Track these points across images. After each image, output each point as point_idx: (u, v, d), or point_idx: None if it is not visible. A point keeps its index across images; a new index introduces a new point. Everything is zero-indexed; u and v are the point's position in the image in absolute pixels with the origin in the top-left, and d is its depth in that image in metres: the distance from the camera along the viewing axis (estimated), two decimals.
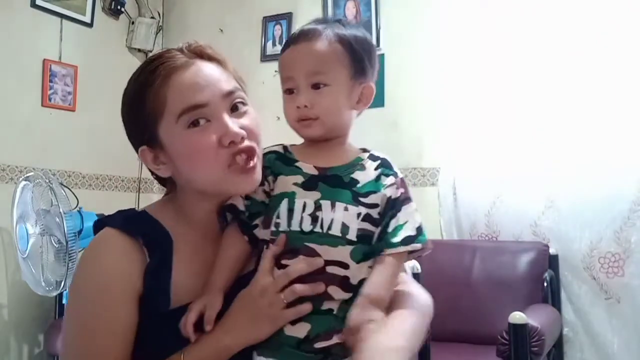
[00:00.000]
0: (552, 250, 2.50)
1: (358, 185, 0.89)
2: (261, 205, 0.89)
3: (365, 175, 0.90)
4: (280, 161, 0.92)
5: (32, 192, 2.41)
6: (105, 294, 0.85)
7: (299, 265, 0.84)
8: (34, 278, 2.43)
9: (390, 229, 0.87)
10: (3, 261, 2.85)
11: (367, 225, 0.87)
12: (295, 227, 0.86)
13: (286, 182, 0.89)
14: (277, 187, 0.90)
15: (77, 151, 3.19)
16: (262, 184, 0.90)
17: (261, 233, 0.89)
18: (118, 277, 0.85)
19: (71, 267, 2.28)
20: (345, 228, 0.86)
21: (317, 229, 0.85)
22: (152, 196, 3.67)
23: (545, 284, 2.40)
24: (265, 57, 3.37)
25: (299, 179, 0.89)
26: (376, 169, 0.92)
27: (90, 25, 3.34)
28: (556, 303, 2.46)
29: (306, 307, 0.83)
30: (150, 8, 3.64)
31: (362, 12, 3.09)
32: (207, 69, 0.90)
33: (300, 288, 0.83)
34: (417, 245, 0.87)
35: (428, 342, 1.52)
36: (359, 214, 0.87)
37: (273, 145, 0.95)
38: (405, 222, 0.88)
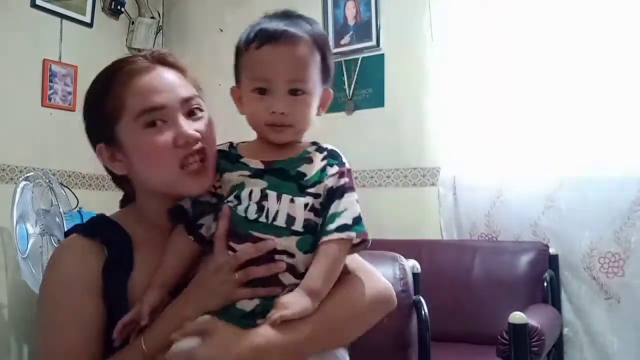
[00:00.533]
0: (552, 250, 2.50)
1: (305, 178, 0.89)
2: (206, 205, 0.91)
3: (311, 168, 0.90)
4: (224, 159, 0.92)
5: (32, 192, 2.41)
6: (67, 289, 0.89)
7: (249, 249, 0.85)
8: (34, 278, 2.43)
9: (327, 217, 0.87)
10: (3, 261, 2.85)
11: (311, 216, 0.88)
12: (241, 212, 0.86)
13: (232, 177, 0.90)
14: (223, 184, 0.91)
15: (77, 151, 3.15)
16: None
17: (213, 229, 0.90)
18: (79, 274, 0.89)
19: None
20: (290, 219, 0.86)
21: (262, 219, 0.86)
22: None
23: (545, 284, 2.39)
24: None
25: (244, 172, 0.89)
26: (322, 159, 0.91)
27: (90, 25, 3.34)
28: (556, 303, 2.46)
29: (260, 292, 0.85)
30: (150, 8, 3.64)
31: (362, 12, 3.09)
32: (167, 75, 0.94)
33: (255, 270, 0.85)
34: (352, 234, 0.86)
35: (428, 342, 1.51)
36: (306, 205, 0.87)
37: (220, 144, 0.96)
38: (344, 211, 0.87)
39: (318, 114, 0.94)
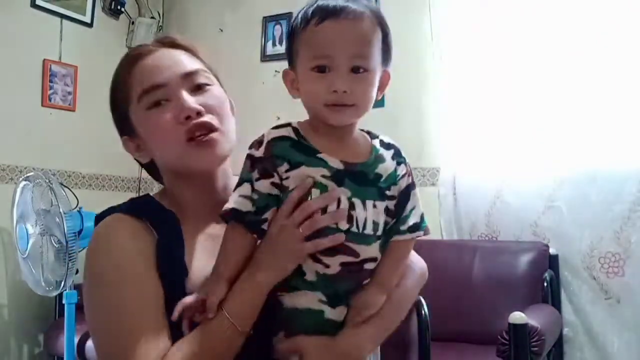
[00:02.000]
0: (552, 250, 2.50)
1: (382, 180, 0.87)
2: (269, 198, 0.84)
3: (386, 168, 0.88)
4: (296, 149, 0.84)
5: (32, 192, 2.41)
6: (127, 271, 0.84)
7: (316, 201, 0.82)
8: (34, 278, 2.42)
9: (401, 217, 0.88)
10: (3, 261, 2.85)
11: (388, 218, 0.88)
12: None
13: (311, 174, 0.83)
14: (296, 176, 0.83)
15: (77, 151, 3.19)
16: (270, 175, 0.83)
17: None
18: (134, 254, 0.86)
19: (71, 267, 2.28)
20: (375, 225, 0.85)
21: (354, 229, 0.83)
22: None
23: (545, 284, 2.40)
24: (265, 57, 3.36)
25: (325, 172, 0.83)
26: (392, 158, 0.90)
27: (90, 25, 3.34)
28: (556, 303, 2.46)
29: (323, 243, 0.82)
30: (150, 8, 3.64)
31: None
32: (171, 54, 0.94)
33: (318, 218, 0.82)
34: (421, 233, 0.89)
35: (428, 342, 1.52)
36: (385, 209, 0.87)
37: (279, 127, 0.87)
38: (413, 209, 0.89)
39: (377, 97, 0.88)
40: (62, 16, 3.19)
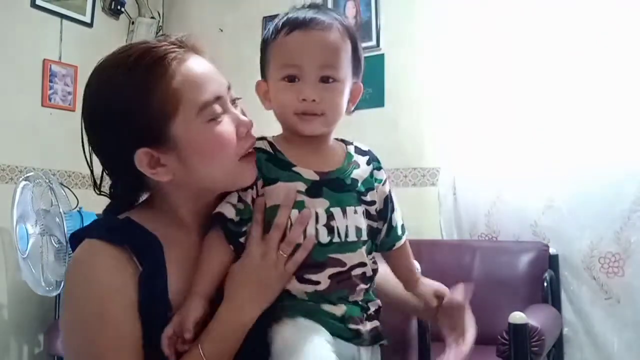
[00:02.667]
0: (552, 250, 2.50)
1: (358, 185, 0.88)
2: (249, 211, 0.84)
3: (361, 173, 0.89)
4: (272, 163, 0.86)
5: (32, 192, 2.41)
6: (105, 310, 0.79)
7: (295, 229, 0.83)
8: (34, 278, 2.43)
9: (394, 223, 0.93)
10: (3, 261, 2.85)
11: (370, 222, 0.89)
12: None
13: (286, 189, 0.84)
14: (272, 195, 0.84)
15: (77, 151, 3.16)
16: (252, 187, 0.85)
17: None
18: (114, 290, 0.80)
19: None
20: (358, 231, 0.86)
21: (335, 239, 0.84)
22: None
23: (545, 284, 2.39)
24: None
25: (301, 186, 0.84)
26: (367, 163, 0.92)
27: (90, 25, 3.34)
28: (556, 303, 2.46)
29: (307, 245, 0.83)
30: (150, 8, 3.64)
31: (362, 12, 3.09)
32: (205, 62, 0.87)
33: (293, 234, 0.83)
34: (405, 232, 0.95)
35: (428, 342, 1.51)
36: (363, 212, 0.87)
37: (257, 139, 0.88)
38: (396, 212, 0.94)
39: (347, 110, 0.89)
40: (62, 16, 3.19)
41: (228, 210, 0.84)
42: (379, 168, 0.92)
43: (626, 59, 2.44)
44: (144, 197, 0.94)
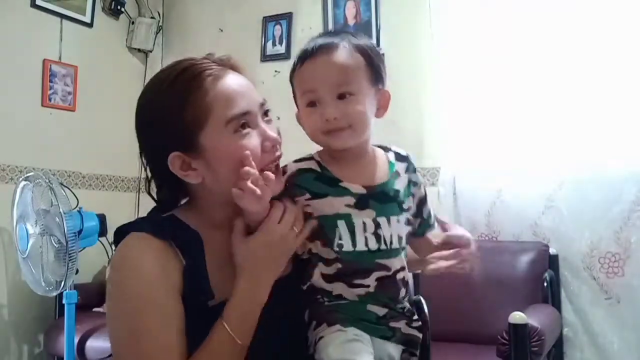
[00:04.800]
0: (552, 250, 2.50)
1: (400, 195, 0.97)
2: None
3: (402, 183, 0.98)
4: (320, 182, 0.94)
5: (32, 192, 2.41)
6: (152, 291, 0.87)
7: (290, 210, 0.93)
8: (34, 278, 2.42)
9: (425, 215, 1.03)
10: (3, 261, 2.85)
11: (409, 229, 0.99)
12: (361, 246, 0.92)
13: (335, 204, 0.93)
14: (320, 207, 0.93)
15: (77, 151, 3.19)
16: (293, 201, 0.94)
17: (321, 251, 0.94)
18: (160, 275, 0.88)
19: (71, 267, 2.27)
20: (400, 239, 0.95)
21: (383, 247, 0.93)
22: None
23: (545, 284, 2.40)
24: (265, 57, 3.36)
25: (350, 200, 0.92)
26: (406, 171, 1.01)
27: (90, 25, 3.34)
28: (556, 303, 2.46)
29: (313, 223, 0.94)
30: (150, 8, 3.64)
31: (362, 12, 3.09)
32: (241, 79, 0.95)
33: (296, 212, 0.93)
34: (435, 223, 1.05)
35: (428, 342, 1.51)
36: (405, 221, 0.97)
37: (303, 160, 0.97)
38: (427, 204, 1.04)
39: (379, 116, 0.98)
40: (62, 16, 3.19)
41: None
42: (415, 170, 1.02)
43: (626, 59, 2.44)
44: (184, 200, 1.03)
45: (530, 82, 2.63)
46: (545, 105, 2.60)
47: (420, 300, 1.48)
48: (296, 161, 0.97)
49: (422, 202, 1.03)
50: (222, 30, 3.50)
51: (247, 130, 0.91)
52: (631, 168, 2.40)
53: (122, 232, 0.93)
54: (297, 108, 0.98)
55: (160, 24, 3.71)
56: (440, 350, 1.99)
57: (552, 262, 2.49)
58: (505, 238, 2.65)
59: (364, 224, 0.92)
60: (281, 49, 3.32)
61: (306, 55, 0.94)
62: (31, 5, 3.03)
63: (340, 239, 0.92)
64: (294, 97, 0.98)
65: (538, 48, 2.61)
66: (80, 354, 2.47)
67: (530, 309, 2.17)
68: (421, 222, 1.03)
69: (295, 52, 3.53)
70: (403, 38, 2.97)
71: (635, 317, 2.35)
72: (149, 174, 0.99)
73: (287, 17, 3.34)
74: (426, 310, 1.50)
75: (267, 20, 3.40)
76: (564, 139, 2.55)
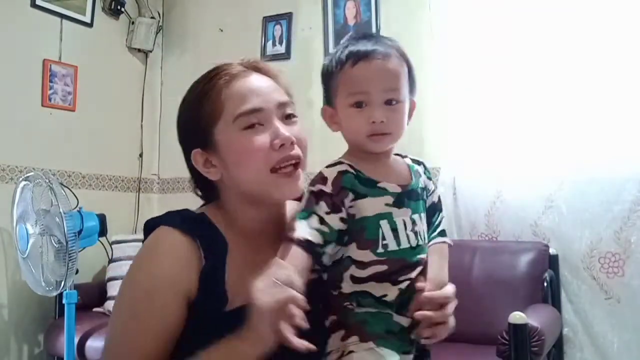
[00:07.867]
0: (552, 250, 2.50)
1: (424, 194, 1.01)
2: (335, 234, 0.90)
3: (424, 182, 1.02)
4: (359, 182, 0.94)
5: (32, 192, 2.41)
6: (155, 296, 0.87)
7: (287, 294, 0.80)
8: (34, 278, 2.43)
9: (435, 224, 1.03)
10: (3, 261, 2.85)
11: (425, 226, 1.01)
12: (405, 245, 0.93)
13: (376, 204, 0.93)
14: (362, 208, 0.92)
15: (77, 151, 3.19)
16: (339, 210, 0.90)
17: (357, 254, 0.92)
18: (172, 276, 0.88)
19: (71, 267, 2.28)
20: (425, 234, 0.99)
21: (420, 242, 0.96)
22: (152, 196, 3.67)
23: (545, 284, 2.39)
24: (265, 57, 3.36)
25: (389, 199, 0.94)
26: (424, 173, 1.04)
27: (90, 25, 3.34)
28: (556, 303, 2.46)
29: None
30: (150, 8, 3.64)
31: (362, 12, 3.09)
32: (263, 80, 0.97)
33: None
34: (449, 240, 1.02)
35: None
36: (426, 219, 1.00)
37: (336, 164, 0.94)
38: (442, 219, 1.05)
39: (407, 124, 1.00)
40: (62, 16, 3.19)
41: (315, 236, 0.88)
42: (430, 177, 1.04)
43: (626, 58, 2.44)
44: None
45: (530, 83, 2.63)
46: (545, 106, 2.60)
47: None
48: (328, 166, 0.95)
49: (437, 206, 1.05)
50: (222, 30, 3.50)
51: (256, 128, 0.92)
52: (631, 168, 2.40)
53: (151, 225, 0.94)
54: (329, 105, 0.98)
55: (160, 24, 3.71)
56: (440, 350, 1.99)
57: (552, 262, 2.49)
58: (505, 238, 2.65)
59: (404, 222, 0.94)
60: (281, 49, 3.32)
61: (360, 56, 0.94)
62: (31, 5, 3.03)
63: (384, 239, 0.92)
64: (329, 93, 0.98)
65: (538, 48, 2.61)
66: (80, 354, 2.47)
67: (530, 309, 2.17)
68: (434, 224, 1.04)
69: (295, 52, 3.55)
70: (403, 38, 2.90)
71: (635, 317, 2.35)
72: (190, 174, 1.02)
73: (287, 17, 3.34)
74: None
75: (267, 20, 3.40)
76: (564, 139, 2.55)
